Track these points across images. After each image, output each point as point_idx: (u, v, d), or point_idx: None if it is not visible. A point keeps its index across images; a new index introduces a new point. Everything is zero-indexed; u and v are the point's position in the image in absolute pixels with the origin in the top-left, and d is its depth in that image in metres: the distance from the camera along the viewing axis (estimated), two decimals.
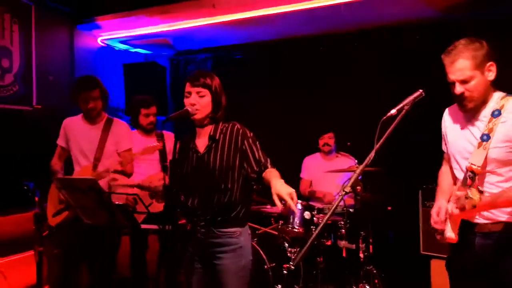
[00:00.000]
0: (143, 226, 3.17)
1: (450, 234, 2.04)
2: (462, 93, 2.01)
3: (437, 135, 2.36)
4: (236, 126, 2.30)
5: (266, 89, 5.01)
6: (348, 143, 4.10)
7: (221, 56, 5.41)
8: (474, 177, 1.99)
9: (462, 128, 2.14)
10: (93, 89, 3.17)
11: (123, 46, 5.31)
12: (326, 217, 1.71)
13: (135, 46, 5.35)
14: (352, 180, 1.80)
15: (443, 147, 2.33)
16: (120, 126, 3.31)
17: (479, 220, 2.05)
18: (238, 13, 4.19)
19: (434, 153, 2.48)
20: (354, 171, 2.14)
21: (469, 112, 2.09)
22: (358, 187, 1.83)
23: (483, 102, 2.05)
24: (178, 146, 2.28)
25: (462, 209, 1.90)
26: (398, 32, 4.47)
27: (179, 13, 4.32)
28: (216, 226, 2.22)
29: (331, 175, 4.08)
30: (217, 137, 2.24)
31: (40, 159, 3.29)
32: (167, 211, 2.15)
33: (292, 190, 1.93)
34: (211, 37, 4.99)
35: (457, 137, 2.15)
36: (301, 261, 3.63)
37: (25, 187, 3.09)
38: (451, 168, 2.25)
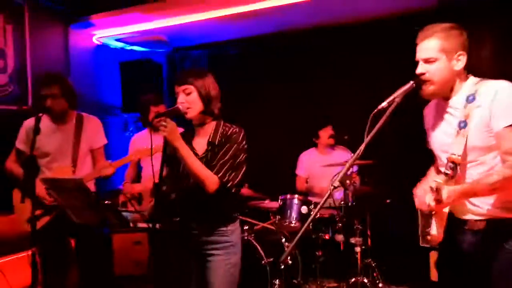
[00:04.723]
0: (133, 224, 3.16)
1: (433, 232, 1.93)
2: (423, 75, 1.93)
3: None
4: (233, 130, 2.22)
5: (262, 83, 4.98)
6: (345, 137, 4.06)
7: (217, 52, 5.38)
8: (455, 167, 1.88)
9: (438, 121, 2.05)
10: (49, 85, 2.92)
11: (118, 44, 5.29)
12: (314, 213, 1.70)
13: (131, 44, 5.33)
14: (340, 174, 1.78)
15: (428, 145, 2.26)
16: (92, 123, 3.14)
17: (468, 216, 1.92)
18: (232, 7, 4.17)
19: None
20: None
21: (429, 98, 2.01)
22: (348, 181, 1.81)
23: (450, 89, 1.96)
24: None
25: (438, 201, 1.81)
26: (395, 24, 4.41)
27: (173, 9, 4.30)
28: (207, 224, 2.22)
29: (328, 169, 4.06)
30: (216, 143, 2.20)
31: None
32: (156, 209, 2.14)
33: None
34: (207, 33, 4.97)
35: (435, 132, 2.07)
36: (299, 255, 3.63)
37: None
38: (437, 164, 2.19)
